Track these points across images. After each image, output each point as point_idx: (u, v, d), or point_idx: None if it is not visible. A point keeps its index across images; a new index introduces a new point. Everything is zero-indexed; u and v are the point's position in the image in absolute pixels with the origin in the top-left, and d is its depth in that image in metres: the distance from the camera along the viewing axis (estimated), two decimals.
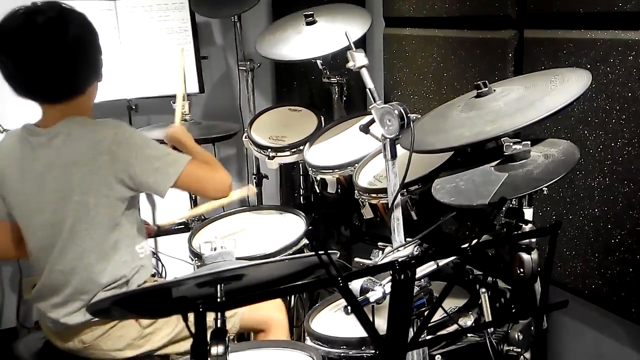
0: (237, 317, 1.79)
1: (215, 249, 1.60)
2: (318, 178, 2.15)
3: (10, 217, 1.72)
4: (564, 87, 1.47)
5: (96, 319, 1.64)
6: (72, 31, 1.58)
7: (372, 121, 1.59)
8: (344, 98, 2.48)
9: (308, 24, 2.32)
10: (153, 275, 1.82)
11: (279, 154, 2.32)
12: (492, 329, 1.52)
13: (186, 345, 1.74)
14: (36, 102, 1.65)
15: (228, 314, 1.25)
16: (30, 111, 1.68)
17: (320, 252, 1.02)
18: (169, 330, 1.73)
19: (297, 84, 3.06)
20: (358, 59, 1.67)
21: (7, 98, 1.63)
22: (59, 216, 1.62)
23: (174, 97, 2.46)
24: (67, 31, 1.57)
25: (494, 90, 1.58)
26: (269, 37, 2.40)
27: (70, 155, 1.60)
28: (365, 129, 1.65)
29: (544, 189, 1.37)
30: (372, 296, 1.29)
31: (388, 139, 1.56)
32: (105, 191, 1.60)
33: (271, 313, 1.85)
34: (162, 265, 2.57)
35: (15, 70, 1.58)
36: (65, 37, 1.57)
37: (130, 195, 1.65)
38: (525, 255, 1.43)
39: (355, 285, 1.32)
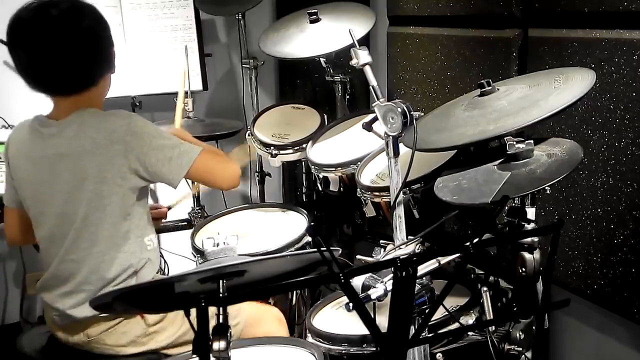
0: (237, 329, 1.76)
1: (217, 245, 1.61)
2: (321, 176, 2.15)
3: (20, 205, 1.74)
4: (568, 86, 1.47)
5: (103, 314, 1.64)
6: (86, 23, 1.60)
7: (375, 119, 1.59)
8: (347, 96, 2.49)
9: (312, 22, 2.32)
10: (157, 272, 1.82)
11: (281, 151, 2.32)
12: (493, 328, 1.52)
13: (189, 348, 1.73)
14: (48, 95, 1.65)
15: (229, 322, 1.24)
16: (36, 107, 1.69)
17: (322, 249, 1.02)
18: (174, 330, 1.72)
19: (300, 82, 3.06)
20: (361, 57, 1.67)
21: (13, 95, 1.64)
22: (72, 205, 1.62)
23: (177, 94, 2.46)
24: (81, 23, 1.59)
25: (498, 89, 1.58)
26: (272, 35, 2.40)
27: (83, 144, 1.60)
28: (368, 126, 1.65)
29: (546, 188, 1.37)
30: (374, 293, 1.28)
31: (391, 137, 1.57)
32: (119, 181, 1.61)
33: (272, 329, 1.83)
34: (165, 262, 2.57)
35: (29, 62, 1.59)
36: (79, 29, 1.59)
37: (142, 185, 1.65)
38: (527, 255, 1.43)
39: (357, 282, 1.32)
